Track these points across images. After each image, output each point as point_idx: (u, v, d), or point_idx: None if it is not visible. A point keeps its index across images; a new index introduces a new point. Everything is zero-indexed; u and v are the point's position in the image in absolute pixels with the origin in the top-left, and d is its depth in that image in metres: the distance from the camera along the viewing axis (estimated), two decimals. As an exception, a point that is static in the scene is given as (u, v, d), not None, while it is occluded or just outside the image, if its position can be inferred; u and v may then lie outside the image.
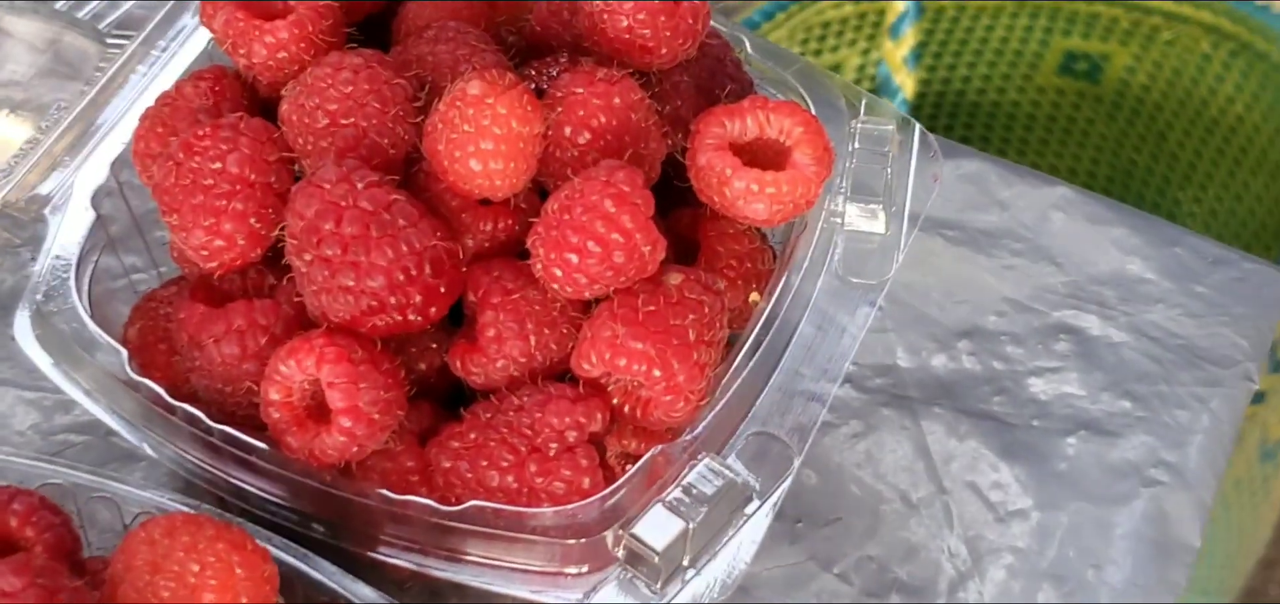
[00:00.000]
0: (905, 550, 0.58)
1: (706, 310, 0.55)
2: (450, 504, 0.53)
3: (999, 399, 0.60)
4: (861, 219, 0.58)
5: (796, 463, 0.55)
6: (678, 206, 0.59)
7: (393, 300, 0.54)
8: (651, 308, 0.54)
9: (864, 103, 0.60)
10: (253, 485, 0.55)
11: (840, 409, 0.61)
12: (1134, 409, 0.59)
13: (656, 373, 0.53)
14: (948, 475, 0.59)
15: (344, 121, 0.56)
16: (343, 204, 0.54)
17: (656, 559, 0.51)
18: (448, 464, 0.54)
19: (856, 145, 0.58)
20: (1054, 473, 0.59)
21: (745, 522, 0.53)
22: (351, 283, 0.53)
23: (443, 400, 0.58)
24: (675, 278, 0.55)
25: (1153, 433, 0.59)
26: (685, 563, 0.52)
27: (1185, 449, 0.58)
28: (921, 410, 0.61)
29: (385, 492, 0.54)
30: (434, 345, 0.57)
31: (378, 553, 0.55)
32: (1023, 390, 0.60)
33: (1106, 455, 0.58)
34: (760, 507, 0.54)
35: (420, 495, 0.54)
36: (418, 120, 0.57)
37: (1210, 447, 0.58)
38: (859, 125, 0.58)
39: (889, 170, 0.58)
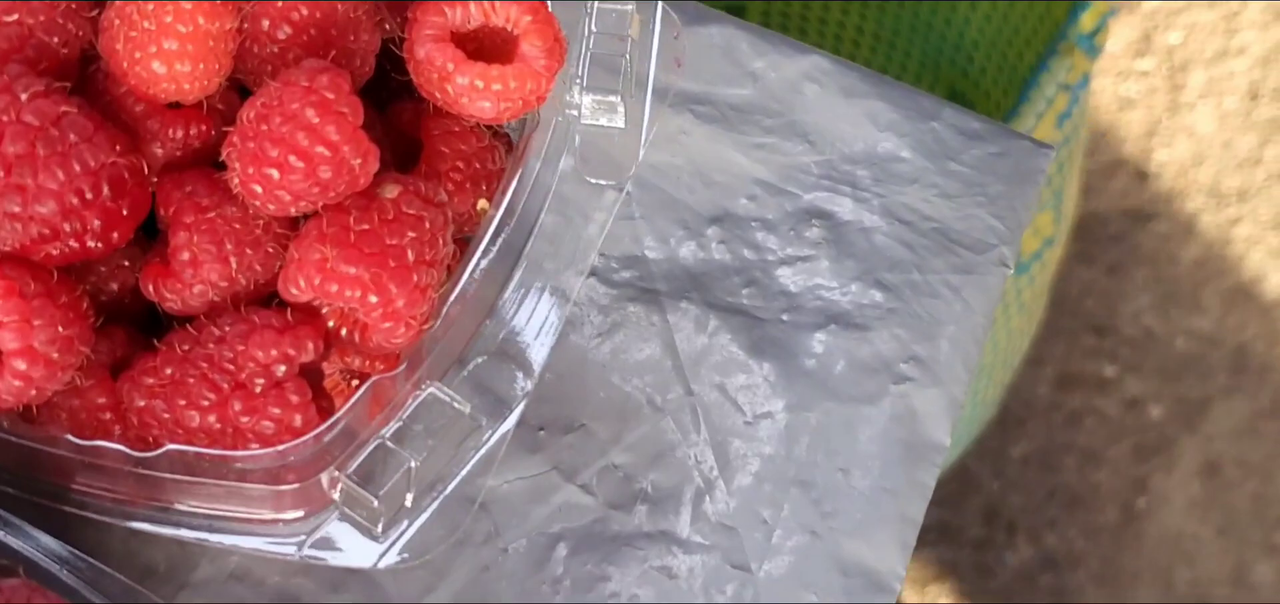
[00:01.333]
0: (652, 457, 0.55)
1: (427, 225, 0.49)
2: (147, 448, 0.48)
3: (748, 291, 0.57)
4: (600, 112, 0.52)
5: (531, 384, 0.51)
6: (398, 100, 0.53)
7: (67, 227, 0.47)
8: (365, 226, 0.48)
9: (602, -23, 0.54)
10: (-80, 438, 0.48)
11: (585, 304, 0.57)
12: (885, 300, 0.56)
13: (373, 299, 0.48)
14: (696, 377, 0.55)
15: (6, 18, 0.48)
16: (4, 119, 0.46)
17: (376, 503, 0.47)
18: (142, 403, 0.48)
19: (593, 29, 0.52)
20: (803, 371, 0.55)
21: (475, 453, 0.49)
22: (18, 208, 0.46)
23: (140, 323, 0.51)
24: (391, 190, 0.49)
25: (904, 325, 0.56)
26: (407, 503, 0.48)
27: (936, 342, 0.55)
28: (669, 304, 0.57)
29: (71, 436, 0.48)
30: (126, 262, 0.51)
31: (71, 505, 0.49)
32: (773, 282, 0.57)
33: (856, 351, 0.55)
34: (492, 435, 0.49)
35: (113, 438, 0.48)
36: (93, 14, 0.49)
37: (962, 338, 0.56)
38: (594, 7, 0.52)
39: (628, 57, 0.52)
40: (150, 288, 0.49)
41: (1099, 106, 1.46)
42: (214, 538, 0.49)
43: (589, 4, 0.52)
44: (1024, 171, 0.57)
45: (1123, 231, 1.44)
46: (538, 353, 0.52)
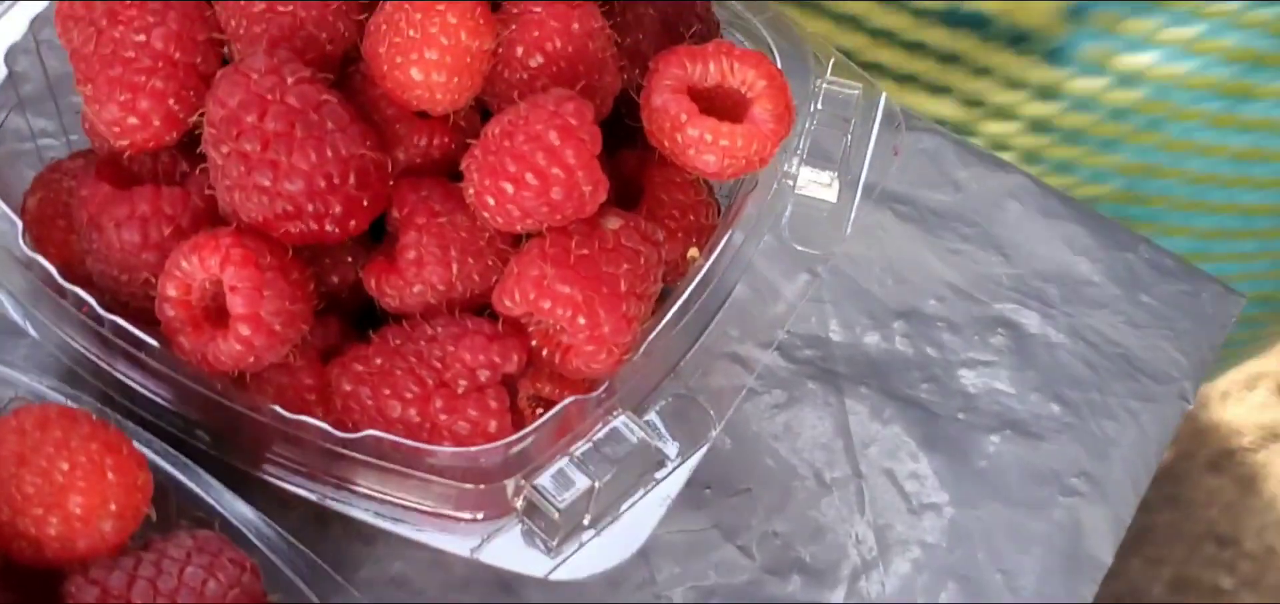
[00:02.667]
0: (813, 530, 0.56)
1: (642, 261, 0.51)
2: (346, 430, 0.50)
3: (927, 386, 0.57)
4: (814, 185, 0.54)
5: (715, 432, 0.52)
6: (625, 147, 0.55)
7: (310, 207, 0.49)
8: (585, 251, 0.50)
9: (832, 62, 0.56)
10: (139, 383, 0.50)
11: (765, 377, 0.58)
12: (1063, 414, 0.57)
13: (581, 320, 0.50)
14: (865, 459, 0.56)
15: (281, 8, 0.51)
16: (268, 97, 0.49)
17: (556, 515, 0.48)
18: (348, 388, 0.50)
19: (819, 106, 0.54)
20: (973, 470, 0.56)
21: (654, 486, 0.50)
22: (268, 183, 0.49)
23: (353, 320, 0.54)
24: (614, 222, 0.51)
25: (1079, 441, 0.56)
26: (585, 522, 0.49)
27: (1109, 462, 0.56)
28: (847, 388, 0.58)
29: (278, 408, 0.50)
30: (350, 260, 0.53)
31: (264, 472, 0.51)
32: (953, 381, 0.57)
33: (1029, 458, 0.56)
34: (672, 473, 0.51)
35: (315, 417, 0.50)
36: (361, 18, 0.52)
37: (1134, 462, 0.56)
38: (824, 85, 0.54)
39: (849, 137, 0.54)
40: (373, 283, 0.52)
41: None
42: (389, 524, 0.50)
43: (819, 82, 0.55)
44: (1213, 313, 0.58)
45: (1258, 445, 1.42)
46: (719, 410, 0.53)
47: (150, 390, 0.50)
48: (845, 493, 0.56)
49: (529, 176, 0.49)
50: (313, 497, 0.51)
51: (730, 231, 0.53)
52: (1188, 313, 0.58)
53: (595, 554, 0.50)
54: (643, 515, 0.51)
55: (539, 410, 0.53)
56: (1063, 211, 0.60)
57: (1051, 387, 0.57)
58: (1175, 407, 0.57)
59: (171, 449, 0.49)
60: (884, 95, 0.55)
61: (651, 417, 0.51)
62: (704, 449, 0.51)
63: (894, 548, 0.55)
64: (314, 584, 0.49)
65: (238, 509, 0.49)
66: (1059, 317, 0.58)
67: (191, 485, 0.49)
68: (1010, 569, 0.54)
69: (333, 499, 0.51)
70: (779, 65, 0.53)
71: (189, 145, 0.52)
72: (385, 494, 0.51)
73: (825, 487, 0.56)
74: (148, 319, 0.50)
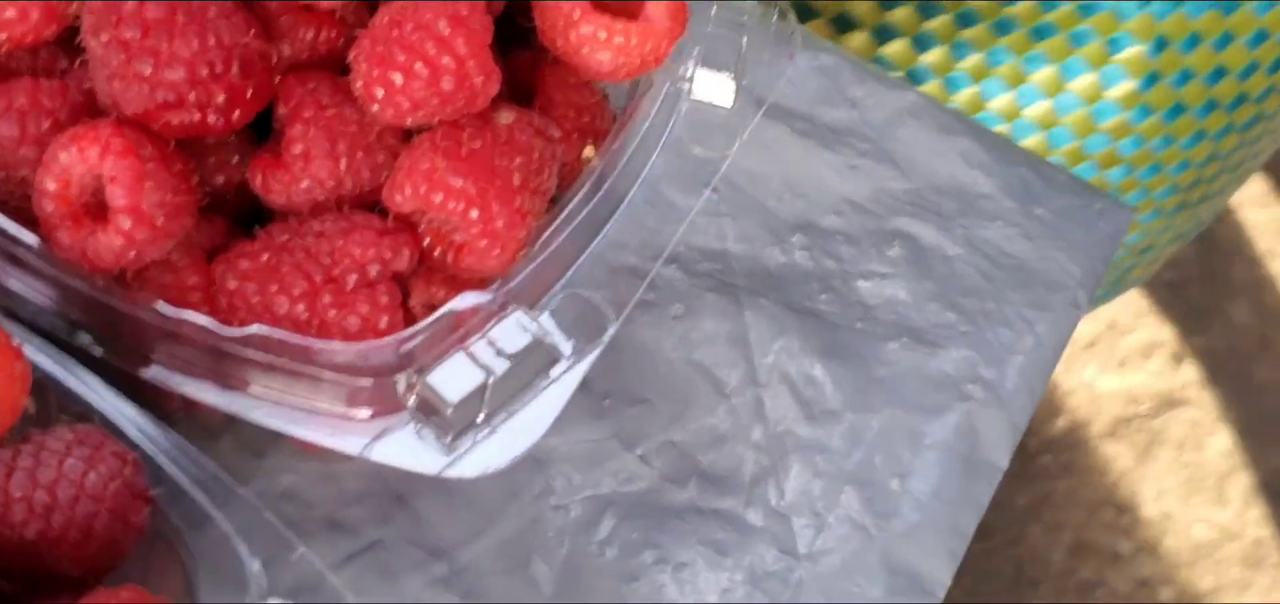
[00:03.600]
0: (712, 439, 0.55)
1: (536, 156, 0.50)
2: (231, 327, 0.48)
3: (825, 297, 0.57)
4: (710, 88, 0.53)
5: (611, 331, 0.51)
6: (518, 47, 0.54)
7: (192, 96, 0.48)
8: (477, 144, 0.49)
9: (729, -32, 0.55)
10: (17, 281, 0.48)
11: (664, 288, 0.57)
12: (959, 322, 0.56)
13: (474, 214, 0.48)
14: (763, 368, 0.56)
15: (158, -103, 0.50)
16: (148, -16, 0.48)
17: (449, 411, 0.47)
18: (233, 284, 0.49)
19: (714, 9, 0.54)
20: (871, 377, 0.55)
21: (549, 384, 0.49)
22: (148, 71, 0.47)
23: (240, 222, 0.52)
24: (507, 116, 0.50)
25: (975, 348, 0.56)
26: (480, 419, 0.48)
27: (1004, 367, 0.56)
28: (747, 300, 0.57)
29: (161, 305, 0.48)
30: (236, 159, 0.51)
31: (148, 373, 0.49)
32: (851, 291, 0.57)
33: (925, 365, 0.56)
34: (568, 371, 0.49)
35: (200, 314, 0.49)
36: (244, -93, 0.51)
37: (1030, 368, 0.56)
38: (718, -11, 0.54)
39: (745, 40, 0.53)
40: (258, 179, 0.50)
41: (1143, 289, 1.47)
42: (283, 425, 0.49)
43: (713, -15, 0.54)
44: (1105, 225, 0.58)
45: (1154, 412, 1.44)
46: (615, 313, 0.52)
47: (29, 288, 0.48)
48: (744, 402, 0.55)
49: (418, 67, 0.48)
50: (201, 397, 0.49)
51: (624, 133, 0.52)
52: (1080, 225, 0.58)
53: (490, 454, 0.49)
54: (539, 417, 0.49)
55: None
56: (958, 128, 0.59)
57: (948, 296, 0.57)
58: (1069, 314, 0.57)
59: (53, 347, 0.47)
60: (781, 5, 0.54)
61: (546, 315, 0.50)
62: (600, 348, 0.50)
63: (792, 454, 0.54)
64: (210, 492, 0.47)
65: (122, 407, 0.48)
66: (955, 229, 0.58)
67: (70, 381, 0.47)
68: (907, 473, 0.54)
69: (219, 400, 0.49)
70: (674, -36, 0.52)
71: (70, 42, 0.50)
72: (274, 393, 0.49)
73: (724, 396, 0.56)
74: (27, 217, 0.48)
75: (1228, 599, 1.38)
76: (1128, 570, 1.39)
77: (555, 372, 0.49)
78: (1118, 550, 1.40)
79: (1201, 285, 1.49)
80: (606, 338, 0.50)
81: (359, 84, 0.49)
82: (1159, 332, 1.47)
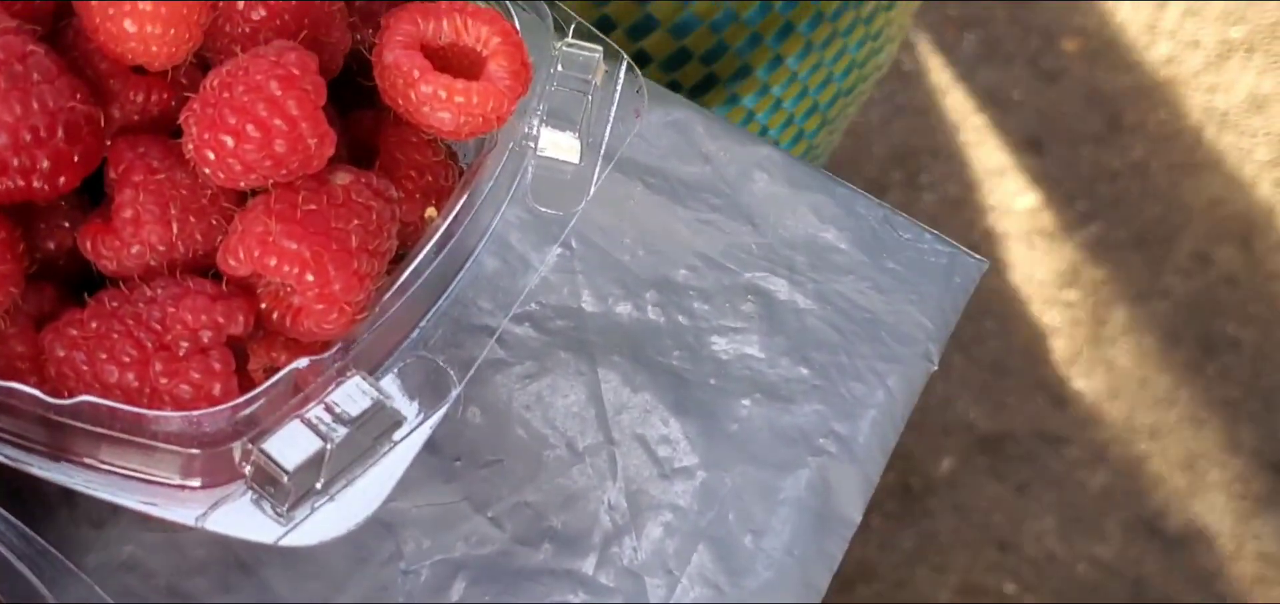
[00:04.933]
0: (564, 499, 0.54)
1: (374, 217, 0.49)
2: (62, 398, 0.46)
3: (679, 354, 0.56)
4: (556, 146, 0.53)
5: (455, 393, 0.50)
6: (359, 107, 0.53)
7: (16, 162, 0.46)
8: (312, 207, 0.48)
9: (573, 26, 0.55)
10: None
11: (516, 347, 0.56)
12: (811, 377, 0.56)
13: (310, 277, 0.47)
14: (618, 426, 0.55)
15: (-16, -41, 0.48)
16: (-32, 48, 0.46)
17: (286, 479, 0.46)
18: (62, 353, 0.47)
19: (558, 68, 0.53)
20: (724, 433, 0.55)
21: (391, 448, 0.48)
22: (-31, 137, 0.46)
23: (73, 288, 0.50)
24: (343, 177, 0.49)
25: (827, 402, 0.56)
26: (318, 487, 0.47)
27: (857, 422, 0.55)
28: (600, 357, 0.56)
29: (-14, 376, 0.46)
30: (66, 224, 0.50)
31: (-25, 446, 0.47)
32: (704, 348, 0.56)
33: (779, 421, 0.55)
34: (410, 434, 0.48)
35: (28, 386, 0.47)
36: (72, -32, 0.49)
37: (882, 422, 0.56)
38: (563, 47, 0.53)
39: (590, 98, 0.53)
40: (88, 244, 0.48)
41: (1022, 330, 1.49)
42: (116, 496, 0.47)
43: (558, 45, 0.53)
44: (956, 277, 0.58)
45: (1034, 452, 1.45)
46: (461, 374, 0.51)
47: None
48: (597, 461, 0.55)
49: (250, 128, 0.46)
50: (33, 470, 0.48)
51: (468, 192, 0.51)
52: (930, 277, 0.58)
53: (331, 521, 0.47)
54: (382, 481, 0.48)
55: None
56: (809, 181, 0.59)
57: (800, 351, 0.56)
58: (921, 367, 0.57)
59: None
60: (626, 60, 0.53)
61: (388, 379, 0.49)
62: (443, 410, 0.49)
63: (646, 513, 0.54)
64: (41, 570, 0.45)
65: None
66: (807, 283, 0.57)
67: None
68: (760, 529, 0.53)
69: (50, 472, 0.47)
70: (515, 24, 0.51)
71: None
72: (105, 464, 0.47)
73: (577, 455, 0.55)
74: None
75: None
76: (1015, 611, 1.40)
77: (398, 435, 0.48)
78: (1002, 590, 1.41)
79: (1086, 327, 1.51)
80: (451, 399, 0.49)
81: (190, 147, 0.47)
82: (1039, 373, 1.49)
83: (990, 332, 1.49)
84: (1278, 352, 1.52)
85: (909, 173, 1.56)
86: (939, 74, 1.61)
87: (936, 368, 0.57)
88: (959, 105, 1.59)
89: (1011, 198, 1.56)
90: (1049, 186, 1.57)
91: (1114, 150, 1.60)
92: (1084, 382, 1.50)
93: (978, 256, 0.59)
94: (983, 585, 1.40)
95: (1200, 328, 1.52)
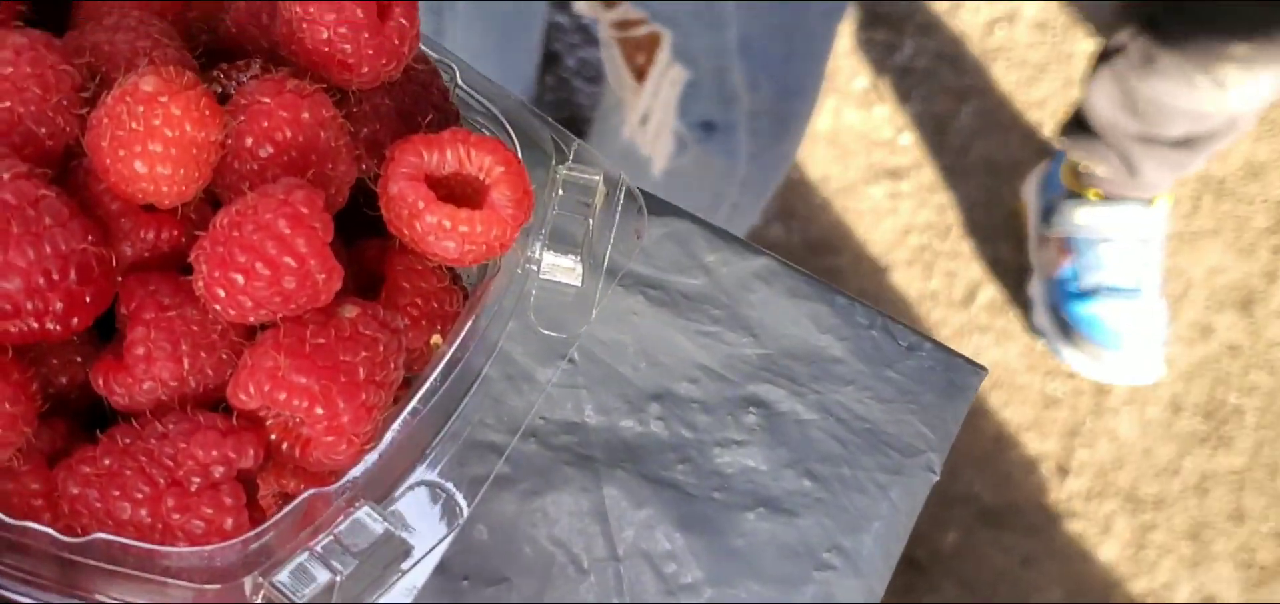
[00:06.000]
0: (573, 617, 0.54)
1: (381, 348, 0.49)
2: (75, 535, 0.47)
3: (683, 467, 0.57)
4: (558, 269, 0.53)
5: (462, 520, 0.50)
6: (365, 237, 0.54)
7: (30, 306, 0.47)
8: (320, 341, 0.48)
9: (574, 149, 0.56)
10: None
11: (520, 464, 0.57)
12: (815, 489, 0.56)
13: (319, 411, 0.48)
14: (622, 542, 0.55)
15: (-2, 103, 0.49)
16: (-18, 194, 0.47)
17: (297, 613, 0.46)
18: (75, 491, 0.48)
19: (559, 192, 0.54)
20: (729, 549, 0.55)
21: (400, 577, 0.48)
22: (-17, 281, 0.46)
23: (83, 421, 0.51)
24: (350, 311, 0.50)
25: (831, 516, 0.56)
26: (329, 618, 0.47)
27: (861, 535, 0.56)
28: (604, 472, 0.57)
29: (0, 516, 0.47)
30: (78, 359, 0.50)
31: (-8, 586, 0.48)
32: (707, 461, 0.57)
33: (783, 535, 0.56)
34: (418, 562, 0.49)
35: (42, 523, 0.47)
36: (83, 112, 0.50)
37: (886, 535, 0.56)
38: (563, 172, 0.54)
39: (591, 221, 0.54)
40: (100, 381, 0.49)
41: (1026, 401, 1.49)
42: (131, 635, 0.48)
43: (559, 169, 0.54)
44: (956, 386, 0.59)
45: (1039, 525, 1.45)
46: (469, 496, 0.51)
47: None
48: (603, 578, 0.55)
49: (259, 266, 0.47)
50: (44, 609, 0.48)
51: (474, 318, 0.52)
52: (931, 386, 0.59)
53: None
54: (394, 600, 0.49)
55: (282, 507, 0.50)
56: (808, 291, 0.60)
57: (803, 463, 0.57)
58: (923, 478, 0.57)
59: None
60: (626, 182, 0.54)
61: (396, 507, 0.49)
62: (451, 537, 0.49)
63: (653, 631, 0.54)
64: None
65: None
66: (808, 394, 0.58)
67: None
68: (766, 645, 0.54)
69: (64, 611, 0.48)
70: (517, 152, 0.52)
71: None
72: (122, 601, 0.48)
73: (583, 572, 0.55)
74: None
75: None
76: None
77: (407, 563, 0.48)
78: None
79: (1089, 397, 1.51)
80: (459, 524, 0.50)
81: (200, 284, 0.48)
82: (1042, 445, 1.49)
83: (994, 404, 1.49)
84: (1280, 420, 1.52)
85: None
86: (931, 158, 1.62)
87: (939, 478, 0.57)
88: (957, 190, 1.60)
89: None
90: (1048, 259, 1.58)
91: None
92: (1087, 452, 1.50)
93: (977, 364, 0.60)
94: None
95: (1202, 396, 1.52)
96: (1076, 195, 1.50)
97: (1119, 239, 1.48)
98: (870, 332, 0.60)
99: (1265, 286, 1.59)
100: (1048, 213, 1.52)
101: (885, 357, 0.59)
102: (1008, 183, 1.58)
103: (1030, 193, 1.56)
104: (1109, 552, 1.46)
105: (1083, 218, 1.48)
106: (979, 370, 0.60)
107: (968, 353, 0.59)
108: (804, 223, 1.55)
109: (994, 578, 1.43)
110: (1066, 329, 1.49)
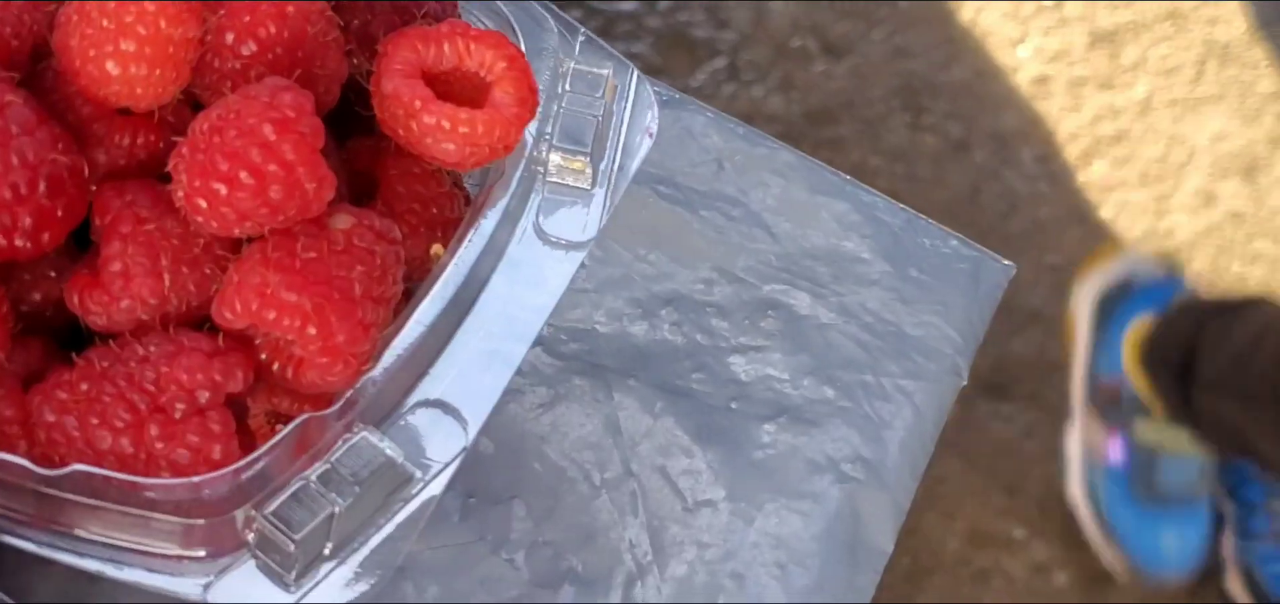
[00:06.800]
0: (584, 536, 0.51)
1: (378, 261, 0.46)
2: (52, 466, 0.43)
3: (698, 376, 0.53)
4: (566, 170, 0.49)
5: (469, 442, 0.47)
6: (357, 136, 0.50)
7: (-4, 220, 0.43)
8: (312, 254, 0.44)
9: (580, 41, 0.51)
10: None
11: (529, 374, 0.53)
12: (836, 398, 0.53)
13: (312, 330, 0.44)
14: (637, 457, 0.52)
15: (-46, -1, 0.45)
16: (-58, 100, 0.43)
17: (292, 547, 0.43)
18: (52, 418, 0.44)
19: (567, 88, 0.50)
20: (749, 462, 0.52)
21: (403, 507, 0.45)
22: (-55, 195, 0.42)
23: (61, 340, 0.47)
24: (344, 221, 0.46)
25: (853, 425, 0.53)
26: (326, 552, 0.44)
27: (885, 446, 0.53)
28: (616, 382, 0.53)
29: (-28, 446, 0.43)
30: (53, 273, 0.46)
31: (-36, 519, 0.44)
32: (724, 369, 0.53)
33: (804, 446, 0.52)
34: (422, 489, 0.45)
35: (18, 452, 0.44)
36: (51, 9, 0.46)
37: (910, 444, 0.53)
38: (572, 66, 0.50)
39: (600, 119, 0.49)
40: (76, 299, 0.45)
41: (1027, 271, 1.46)
42: (114, 570, 0.44)
43: (566, 63, 0.50)
44: (984, 285, 0.55)
45: (1039, 393, 1.43)
46: (476, 415, 0.48)
47: None
48: (617, 495, 0.52)
49: (244, 175, 0.43)
50: (23, 543, 0.45)
51: (476, 225, 0.48)
52: (957, 286, 0.55)
53: (345, 582, 0.45)
54: (396, 535, 0.45)
55: (278, 427, 0.47)
56: (830, 187, 0.56)
57: (824, 370, 0.53)
58: (950, 383, 0.54)
59: None
60: (636, 74, 0.50)
61: (398, 429, 0.46)
62: (458, 462, 0.46)
63: (670, 549, 0.51)
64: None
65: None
66: (830, 296, 0.55)
67: None
68: (788, 564, 0.51)
69: (43, 546, 0.45)
70: (521, 45, 0.48)
71: None
72: (103, 536, 0.44)
73: (596, 489, 0.52)
74: None
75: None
76: (1023, 555, 1.38)
77: (410, 492, 0.45)
78: (1012, 536, 1.39)
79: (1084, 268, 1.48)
80: (465, 447, 0.47)
81: (180, 195, 0.44)
82: (1042, 311, 1.46)
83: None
84: (1286, 284, 1.49)
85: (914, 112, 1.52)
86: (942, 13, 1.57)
87: (966, 383, 0.54)
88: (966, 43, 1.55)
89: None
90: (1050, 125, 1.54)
91: (1116, 88, 1.56)
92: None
93: (1004, 261, 0.56)
94: (992, 532, 1.38)
95: (1206, 265, 1.49)
96: (1143, 407, 1.25)
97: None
98: (893, 229, 0.56)
99: (1269, 153, 1.55)
100: (1104, 401, 1.29)
101: (909, 254, 0.56)
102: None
103: (1083, 314, 1.33)
104: (1110, 421, 1.43)
105: (1151, 435, 1.26)
106: (1006, 266, 0.56)
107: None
108: (803, 93, 1.50)
109: (995, 450, 1.41)
110: (1107, 529, 1.29)
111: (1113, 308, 1.30)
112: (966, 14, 1.56)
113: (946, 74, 1.54)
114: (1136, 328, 1.27)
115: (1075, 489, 1.31)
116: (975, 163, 1.50)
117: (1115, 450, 1.28)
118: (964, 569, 1.36)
